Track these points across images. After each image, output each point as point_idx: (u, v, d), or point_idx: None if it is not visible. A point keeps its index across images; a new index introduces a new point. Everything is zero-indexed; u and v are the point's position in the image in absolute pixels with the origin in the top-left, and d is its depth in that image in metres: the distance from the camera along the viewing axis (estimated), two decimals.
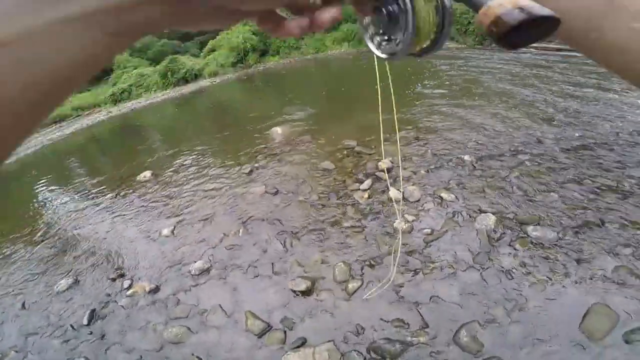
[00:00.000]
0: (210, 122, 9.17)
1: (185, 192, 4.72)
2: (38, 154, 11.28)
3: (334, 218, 3.39)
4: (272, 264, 2.95)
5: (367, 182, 3.79)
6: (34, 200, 6.41)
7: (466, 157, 3.95)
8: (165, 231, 3.84)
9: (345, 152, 4.66)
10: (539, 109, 5.22)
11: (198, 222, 3.89)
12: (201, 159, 5.83)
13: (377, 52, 0.38)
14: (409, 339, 2.10)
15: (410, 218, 3.12)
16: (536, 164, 3.65)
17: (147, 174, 5.60)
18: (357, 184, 3.85)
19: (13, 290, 3.66)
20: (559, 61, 8.86)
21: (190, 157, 5.99)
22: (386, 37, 0.36)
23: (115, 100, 17.28)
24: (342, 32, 17.32)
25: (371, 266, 2.67)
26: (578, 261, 2.41)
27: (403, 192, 3.49)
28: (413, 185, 3.58)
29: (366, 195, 3.61)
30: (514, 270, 2.42)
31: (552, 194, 3.12)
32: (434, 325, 2.15)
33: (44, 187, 7.03)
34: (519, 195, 3.18)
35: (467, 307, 2.22)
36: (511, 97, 5.96)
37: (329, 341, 2.17)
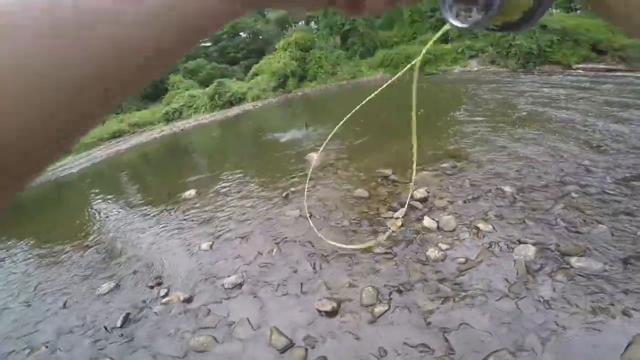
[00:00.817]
0: (252, 145, 9.59)
1: (225, 211, 4.91)
2: (96, 166, 12.39)
3: (365, 244, 3.37)
4: (301, 284, 2.98)
5: (402, 211, 3.74)
6: (88, 208, 6.99)
7: (507, 188, 3.78)
8: (204, 245, 4.01)
9: (379, 180, 4.64)
10: (586, 135, 4.95)
11: (235, 239, 4.03)
12: (242, 180, 6.07)
13: (455, 22, 0.34)
14: None
15: (444, 247, 3.02)
16: (584, 195, 3.43)
17: (192, 192, 5.92)
18: (391, 212, 3.81)
19: (58, 290, 3.96)
20: (607, 82, 8.37)
21: (232, 178, 6.26)
22: (467, 5, 0.32)
23: (168, 119, 18.65)
24: (378, 58, 17.59)
25: (399, 292, 2.61)
26: (625, 292, 2.23)
27: (438, 222, 3.41)
28: (449, 215, 3.48)
29: (399, 224, 3.56)
30: (553, 300, 2.26)
31: (600, 225, 2.90)
32: (460, 351, 2.05)
33: (99, 198, 7.67)
34: (562, 227, 2.99)
35: (498, 335, 2.10)
36: (555, 123, 5.71)
37: None
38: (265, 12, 37.17)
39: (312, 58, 18.52)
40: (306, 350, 2.29)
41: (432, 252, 2.95)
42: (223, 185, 6.06)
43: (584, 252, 2.63)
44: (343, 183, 4.87)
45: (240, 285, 3.16)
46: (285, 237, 3.81)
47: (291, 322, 2.56)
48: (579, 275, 2.43)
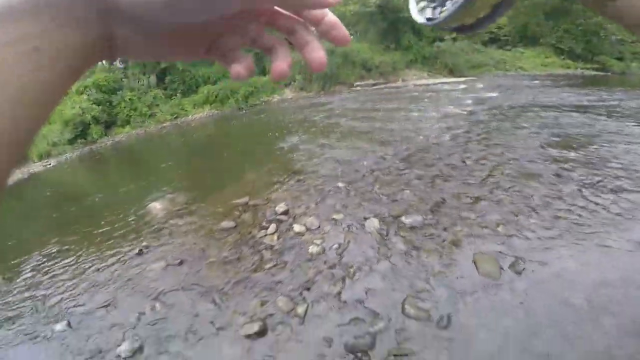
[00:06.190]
0: (58, 217, 7.49)
1: (62, 288, 3.85)
2: None
3: (254, 265, 3.43)
4: (211, 322, 2.80)
5: (273, 226, 3.99)
6: None
7: (340, 184, 4.74)
8: (59, 326, 3.11)
9: (241, 209, 4.71)
10: (375, 136, 6.77)
11: (97, 310, 3.27)
12: (67, 254, 4.78)
13: (419, 18, 0.34)
14: (370, 329, 2.37)
15: (319, 242, 3.52)
16: (387, 174, 4.76)
17: None
18: (264, 230, 3.99)
19: None
20: (373, 93, 11.46)
21: (56, 255, 4.86)
22: (433, 3, 0.32)
23: None
24: (202, 95, 16.90)
25: (308, 289, 2.88)
26: (445, 229, 3.30)
27: (305, 225, 3.90)
28: (310, 217, 4.03)
29: (276, 237, 3.81)
30: (410, 251, 3.09)
31: (405, 191, 4.16)
32: (382, 311, 2.50)
33: None
34: (385, 199, 4.09)
35: (397, 289, 2.68)
36: (356, 130, 7.47)
37: None
38: None
39: (120, 100, 15.90)
40: None
41: (313, 249, 3.39)
42: (45, 264, 4.64)
43: (406, 211, 3.70)
44: (202, 222, 4.65)
45: (140, 349, 2.67)
46: (162, 290, 3.37)
47: (228, 358, 2.43)
48: (413, 228, 3.42)
